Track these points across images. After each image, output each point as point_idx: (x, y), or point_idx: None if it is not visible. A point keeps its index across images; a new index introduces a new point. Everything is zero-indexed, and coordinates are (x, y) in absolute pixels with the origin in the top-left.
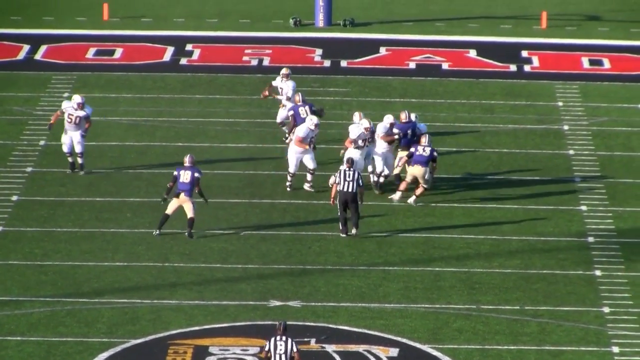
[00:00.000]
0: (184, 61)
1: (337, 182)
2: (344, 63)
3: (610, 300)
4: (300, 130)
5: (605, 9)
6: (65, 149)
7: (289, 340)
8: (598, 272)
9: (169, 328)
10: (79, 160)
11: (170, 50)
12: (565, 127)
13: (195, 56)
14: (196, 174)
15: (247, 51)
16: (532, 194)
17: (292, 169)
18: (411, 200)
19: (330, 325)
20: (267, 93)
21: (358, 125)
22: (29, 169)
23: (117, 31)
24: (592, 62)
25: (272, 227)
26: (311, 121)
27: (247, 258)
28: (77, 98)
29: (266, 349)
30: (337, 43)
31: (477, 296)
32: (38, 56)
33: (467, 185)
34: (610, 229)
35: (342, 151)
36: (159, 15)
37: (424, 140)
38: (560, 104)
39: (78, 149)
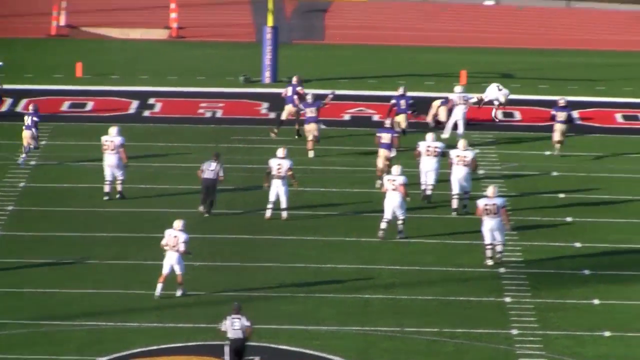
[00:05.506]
0: (147, 113)
1: (202, 169)
2: None
3: (518, 323)
4: None
5: (517, 68)
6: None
7: (243, 318)
8: (508, 299)
9: (131, 347)
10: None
11: (135, 103)
12: (481, 172)
13: (157, 109)
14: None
15: (202, 104)
16: (451, 229)
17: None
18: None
19: (272, 345)
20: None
21: None
22: (9, 208)
23: (88, 86)
24: (505, 114)
25: (222, 259)
26: None
27: (200, 286)
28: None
29: (222, 328)
30: (281, 98)
31: (402, 319)
32: (19, 108)
33: (394, 223)
34: (519, 260)
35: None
36: (126, 72)
37: None
38: (477, 151)
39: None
